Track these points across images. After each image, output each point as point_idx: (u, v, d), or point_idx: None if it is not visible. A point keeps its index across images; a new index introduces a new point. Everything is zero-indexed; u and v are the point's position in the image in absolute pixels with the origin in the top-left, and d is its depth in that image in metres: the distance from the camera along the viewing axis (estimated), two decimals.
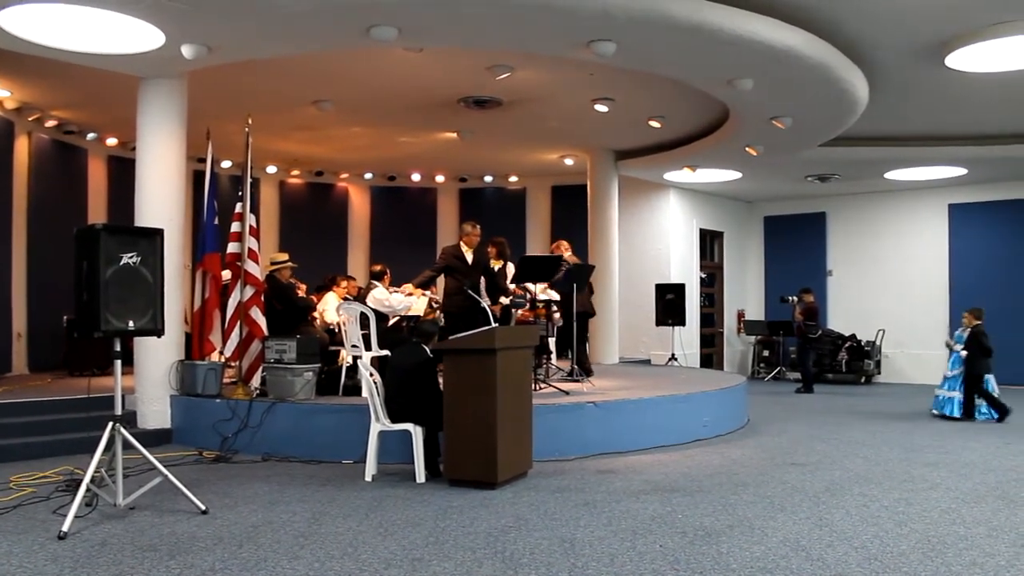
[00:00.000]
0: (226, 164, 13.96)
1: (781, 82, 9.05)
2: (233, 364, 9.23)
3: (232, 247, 9.11)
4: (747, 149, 12.20)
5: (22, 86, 10.46)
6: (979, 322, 11.07)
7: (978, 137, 12.86)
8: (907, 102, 10.88)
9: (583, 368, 10.38)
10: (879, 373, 16.45)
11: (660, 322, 14.99)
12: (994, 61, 8.84)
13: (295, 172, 15.82)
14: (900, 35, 8.50)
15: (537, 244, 16.46)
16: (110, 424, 5.72)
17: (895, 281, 16.31)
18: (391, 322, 9.97)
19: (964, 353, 10.92)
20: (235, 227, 9.10)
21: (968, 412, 10.94)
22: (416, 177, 16.33)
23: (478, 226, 9.61)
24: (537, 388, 8.91)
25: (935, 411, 11.30)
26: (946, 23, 8.10)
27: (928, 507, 6.15)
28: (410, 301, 9.87)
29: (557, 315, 10.90)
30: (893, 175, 14.98)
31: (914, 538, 5.31)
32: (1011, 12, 7.79)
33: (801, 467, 7.69)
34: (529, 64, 9.28)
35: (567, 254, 10.60)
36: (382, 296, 9.79)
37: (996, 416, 10.79)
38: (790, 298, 15.45)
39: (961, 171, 14.51)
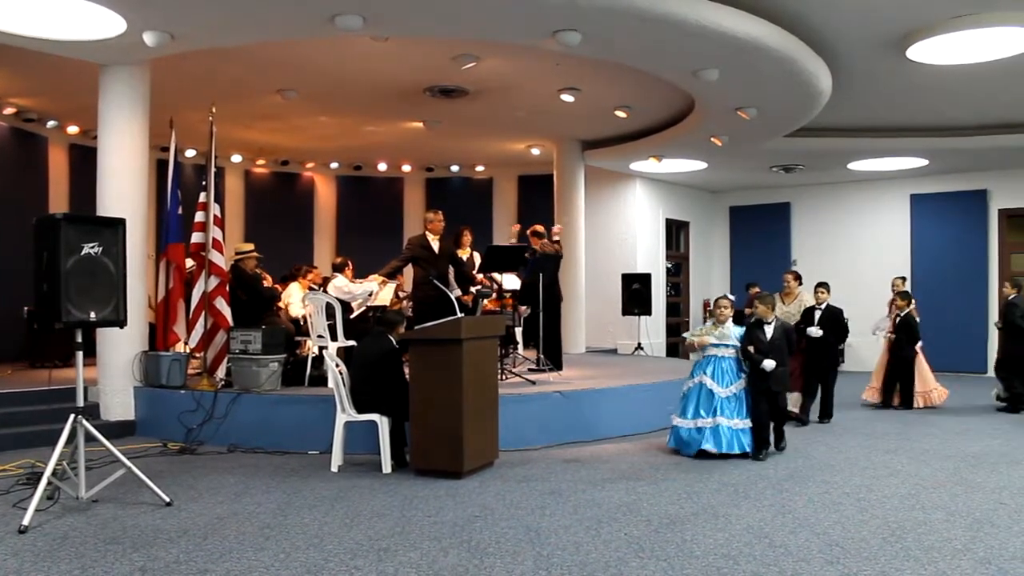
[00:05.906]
0: (190, 153, 13.79)
1: (746, 73, 9.11)
2: (198, 355, 9.15)
3: (196, 237, 9.02)
4: (712, 139, 12.27)
5: None
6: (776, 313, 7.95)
7: (938, 128, 13.04)
8: (870, 94, 11.00)
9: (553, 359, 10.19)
10: (843, 362, 16.60)
11: (626, 311, 15.04)
12: (953, 54, 8.98)
13: (260, 161, 15.66)
14: (862, 27, 8.60)
15: (504, 234, 16.40)
16: (72, 416, 5.66)
17: (858, 271, 16.46)
18: (356, 312, 9.92)
19: (772, 364, 7.44)
20: (199, 217, 9.02)
21: (761, 443, 7.48)
22: (382, 167, 16.24)
23: (440, 212, 9.54)
24: (503, 378, 8.94)
25: (681, 449, 7.64)
26: (907, 16, 8.20)
27: (888, 493, 6.26)
28: (371, 287, 9.79)
29: (524, 307, 10.87)
30: (856, 166, 15.15)
31: (875, 524, 5.40)
32: (969, 6, 7.90)
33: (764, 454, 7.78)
34: (495, 54, 9.26)
35: (539, 241, 10.40)
36: (342, 284, 9.75)
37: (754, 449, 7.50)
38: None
39: (922, 162, 14.70)
